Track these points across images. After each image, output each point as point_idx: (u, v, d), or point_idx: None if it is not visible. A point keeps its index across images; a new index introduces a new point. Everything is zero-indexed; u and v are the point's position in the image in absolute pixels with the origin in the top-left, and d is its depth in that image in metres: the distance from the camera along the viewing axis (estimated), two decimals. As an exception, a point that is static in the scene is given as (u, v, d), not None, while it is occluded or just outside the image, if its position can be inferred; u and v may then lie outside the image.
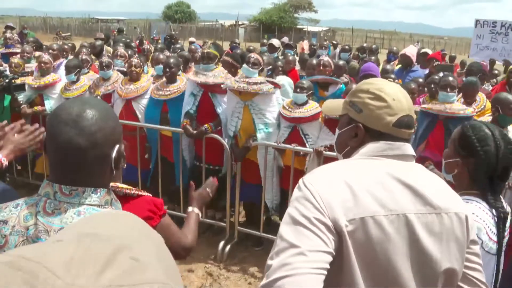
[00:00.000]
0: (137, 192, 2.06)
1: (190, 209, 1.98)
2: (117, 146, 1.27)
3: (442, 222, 1.29)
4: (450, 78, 4.18)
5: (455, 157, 1.86)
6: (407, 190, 1.29)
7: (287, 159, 4.35)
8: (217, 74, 4.55)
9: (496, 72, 7.39)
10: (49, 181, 1.21)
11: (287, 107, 4.27)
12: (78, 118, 1.19)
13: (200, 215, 2.02)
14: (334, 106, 1.62)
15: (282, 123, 4.36)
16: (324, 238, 1.17)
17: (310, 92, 4.27)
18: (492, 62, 6.99)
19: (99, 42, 8.40)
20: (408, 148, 1.40)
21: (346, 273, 1.22)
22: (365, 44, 12.67)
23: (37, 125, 2.08)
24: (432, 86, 4.99)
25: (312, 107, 4.22)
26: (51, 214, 1.17)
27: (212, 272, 4.24)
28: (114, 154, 1.25)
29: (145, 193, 2.12)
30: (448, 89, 4.07)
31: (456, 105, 4.09)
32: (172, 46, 10.00)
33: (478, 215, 1.71)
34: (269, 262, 1.16)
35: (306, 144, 4.14)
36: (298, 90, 4.24)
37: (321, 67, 5.00)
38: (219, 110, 4.54)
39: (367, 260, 1.22)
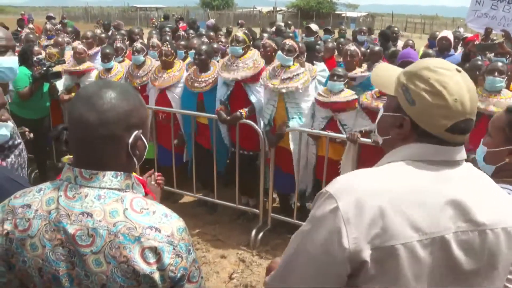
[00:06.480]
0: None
1: None
2: (135, 132, 1.23)
3: (485, 240, 1.16)
4: (499, 64, 3.91)
5: (506, 145, 1.67)
6: (449, 206, 1.14)
7: (322, 150, 4.26)
8: (248, 64, 4.49)
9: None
10: (70, 166, 1.22)
11: (323, 94, 4.18)
12: (93, 95, 1.19)
13: None
14: (386, 80, 1.32)
15: (318, 113, 4.26)
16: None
17: (346, 80, 4.16)
18: (489, 32, 6.35)
19: (137, 29, 8.38)
20: (458, 154, 1.22)
21: None
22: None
23: None
24: (477, 72, 4.72)
25: (349, 94, 4.11)
26: (72, 198, 1.18)
27: (245, 259, 4.25)
28: (131, 139, 1.22)
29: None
30: (496, 73, 3.81)
31: (502, 102, 3.75)
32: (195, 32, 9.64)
33: None
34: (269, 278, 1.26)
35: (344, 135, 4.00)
36: (335, 78, 4.11)
37: (348, 58, 4.71)
38: (252, 98, 4.51)
39: (394, 284, 1.13)
